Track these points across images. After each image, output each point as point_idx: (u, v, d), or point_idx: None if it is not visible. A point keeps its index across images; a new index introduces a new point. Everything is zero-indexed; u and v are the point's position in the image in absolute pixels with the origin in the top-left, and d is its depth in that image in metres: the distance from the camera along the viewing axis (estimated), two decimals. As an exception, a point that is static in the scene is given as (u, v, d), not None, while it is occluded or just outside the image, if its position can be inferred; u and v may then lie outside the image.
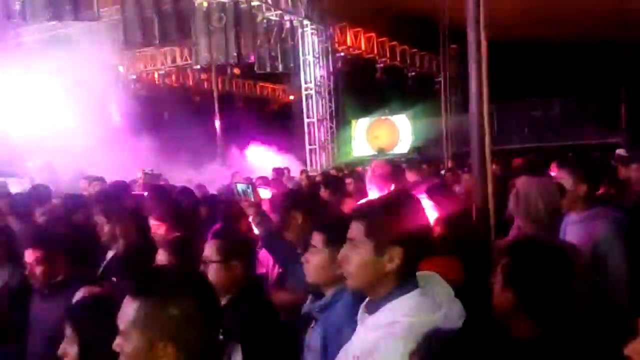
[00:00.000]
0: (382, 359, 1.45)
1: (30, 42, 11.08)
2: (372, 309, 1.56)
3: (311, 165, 14.37)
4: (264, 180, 7.35)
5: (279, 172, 9.97)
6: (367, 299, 1.60)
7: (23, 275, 3.02)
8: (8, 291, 3.45)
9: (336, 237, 1.75)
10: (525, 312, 1.61)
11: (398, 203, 1.63)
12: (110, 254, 3.42)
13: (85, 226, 3.96)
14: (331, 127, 15.16)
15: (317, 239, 1.95)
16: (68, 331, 1.61)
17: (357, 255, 1.55)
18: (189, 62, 15.96)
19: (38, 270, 2.89)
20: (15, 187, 8.85)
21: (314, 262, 1.94)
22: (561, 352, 1.54)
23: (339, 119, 15.87)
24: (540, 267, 1.63)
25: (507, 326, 1.65)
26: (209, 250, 2.33)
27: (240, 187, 3.07)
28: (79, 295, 2.49)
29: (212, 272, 2.19)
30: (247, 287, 2.24)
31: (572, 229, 2.64)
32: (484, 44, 1.88)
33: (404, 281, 1.53)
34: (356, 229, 1.57)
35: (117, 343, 1.27)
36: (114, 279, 2.92)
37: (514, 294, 1.63)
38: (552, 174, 4.68)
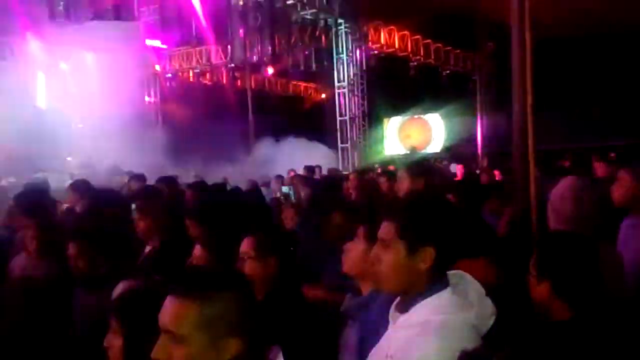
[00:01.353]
0: (416, 357, 1.44)
1: (69, 41, 11.43)
2: (403, 308, 1.56)
3: (343, 163, 14.34)
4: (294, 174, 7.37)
5: (310, 170, 9.98)
6: (398, 298, 1.60)
7: (66, 267, 3.11)
8: (47, 283, 3.57)
9: (375, 231, 1.74)
10: (560, 297, 1.69)
11: (429, 202, 1.64)
12: (147, 249, 3.48)
13: (122, 221, 4.05)
14: (363, 126, 15.11)
15: (360, 231, 1.95)
16: (113, 323, 1.64)
17: (389, 256, 1.54)
18: (224, 61, 16.14)
19: (80, 262, 2.98)
20: (56, 181, 9.15)
21: (352, 253, 1.94)
22: (594, 330, 1.62)
23: (372, 118, 15.81)
24: (567, 254, 1.74)
25: (546, 314, 1.73)
26: (246, 246, 2.35)
27: (284, 189, 3.13)
28: (119, 288, 2.55)
29: (249, 268, 2.21)
30: (283, 283, 2.25)
31: (631, 232, 2.53)
32: (528, 39, 1.83)
33: (436, 280, 1.53)
34: (387, 229, 1.56)
35: (164, 348, 1.23)
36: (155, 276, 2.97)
37: (548, 283, 1.71)
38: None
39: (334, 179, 6.97)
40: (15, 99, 11.82)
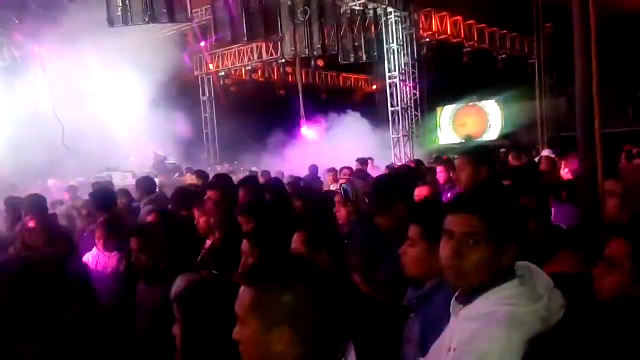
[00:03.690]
0: (482, 349, 1.40)
1: (125, 45, 11.91)
2: (465, 300, 1.52)
3: (396, 155, 14.16)
4: (350, 171, 7.34)
5: (362, 162, 9.90)
6: (459, 290, 1.55)
7: (129, 262, 3.25)
8: (116, 276, 3.75)
9: (434, 230, 1.69)
10: None
11: (510, 197, 1.61)
12: (207, 244, 3.57)
13: (184, 217, 4.18)
14: (416, 116, 14.83)
15: (414, 231, 1.90)
16: (178, 314, 1.69)
17: (477, 252, 1.47)
18: (275, 56, 16.28)
19: (142, 257, 3.10)
20: (119, 180, 9.57)
21: (411, 255, 1.89)
22: None
23: (425, 107, 15.50)
24: None
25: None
26: (296, 242, 2.36)
27: (344, 186, 3.14)
28: (178, 282, 2.62)
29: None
30: (335, 277, 2.24)
31: None
32: (592, 17, 1.71)
33: (502, 271, 1.48)
34: (475, 225, 1.48)
35: (236, 331, 1.28)
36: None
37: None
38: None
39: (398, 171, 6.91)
40: (83, 104, 12.45)
